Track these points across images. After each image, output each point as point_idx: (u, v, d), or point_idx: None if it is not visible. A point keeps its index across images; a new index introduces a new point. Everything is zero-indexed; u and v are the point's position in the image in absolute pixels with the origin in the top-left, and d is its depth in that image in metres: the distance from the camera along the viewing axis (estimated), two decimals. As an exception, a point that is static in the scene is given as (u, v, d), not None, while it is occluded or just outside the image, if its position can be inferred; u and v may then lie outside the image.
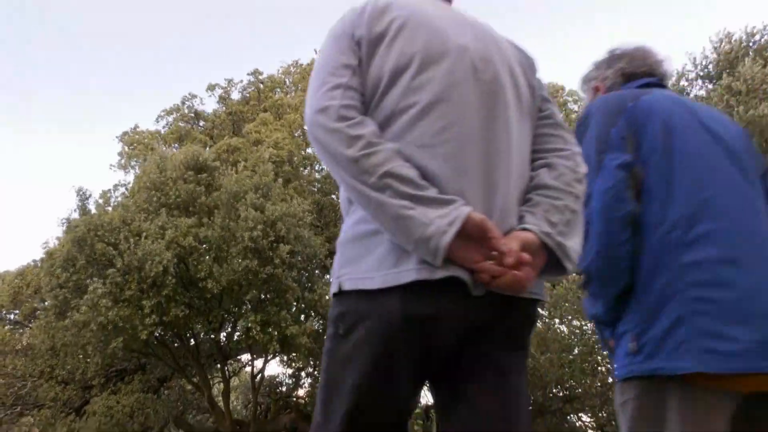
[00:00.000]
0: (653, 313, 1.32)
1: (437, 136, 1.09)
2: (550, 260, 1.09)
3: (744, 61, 8.74)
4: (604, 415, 12.16)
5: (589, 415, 15.07)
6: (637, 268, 1.37)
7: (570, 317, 11.35)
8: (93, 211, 12.09)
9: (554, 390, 12.81)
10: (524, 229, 1.09)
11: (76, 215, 12.05)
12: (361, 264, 1.10)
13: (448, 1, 1.38)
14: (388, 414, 1.10)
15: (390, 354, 1.05)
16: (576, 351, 11.19)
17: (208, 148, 13.53)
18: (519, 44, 1.35)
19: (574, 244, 1.12)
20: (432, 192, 1.04)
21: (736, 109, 8.14)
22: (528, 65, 1.30)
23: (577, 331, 11.39)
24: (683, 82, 9.90)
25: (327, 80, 1.14)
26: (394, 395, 1.09)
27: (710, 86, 9.75)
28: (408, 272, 1.03)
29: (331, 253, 14.10)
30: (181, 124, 17.57)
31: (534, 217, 1.11)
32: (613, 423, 12.00)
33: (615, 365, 1.44)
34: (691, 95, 9.93)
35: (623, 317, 1.41)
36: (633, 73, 1.66)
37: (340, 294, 1.14)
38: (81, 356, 12.59)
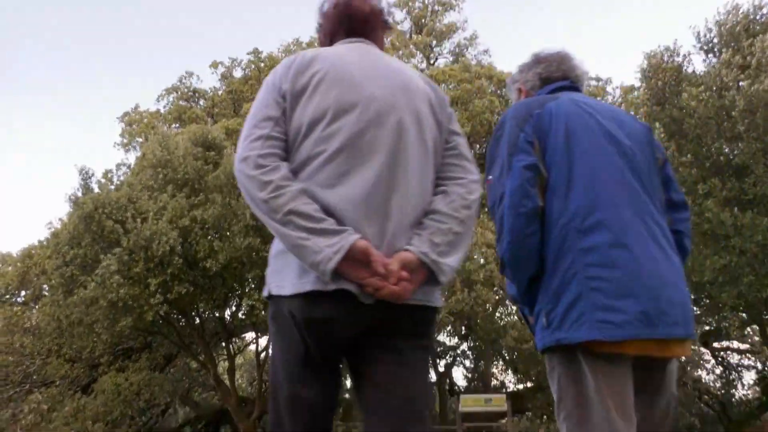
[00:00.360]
0: (559, 292, 1.52)
1: (340, 178, 1.33)
2: (431, 274, 1.33)
3: (745, 34, 8.63)
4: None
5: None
6: (545, 255, 1.57)
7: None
8: (96, 189, 12.15)
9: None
10: (407, 250, 1.32)
11: (80, 194, 12.11)
12: (281, 274, 1.36)
13: (379, 39, 1.63)
14: (319, 397, 1.35)
15: (306, 347, 1.33)
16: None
17: (215, 126, 13.50)
18: (432, 84, 1.57)
19: (451, 261, 1.36)
20: (327, 224, 1.27)
21: (741, 84, 8.05)
22: (438, 103, 1.52)
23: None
24: (677, 58, 9.77)
25: (251, 132, 1.38)
26: (320, 380, 1.35)
27: (714, 60, 9.65)
28: (308, 283, 1.29)
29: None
30: (181, 103, 17.56)
31: (419, 239, 1.34)
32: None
33: (535, 340, 1.63)
34: (690, 70, 9.82)
35: (538, 298, 1.60)
36: (548, 77, 1.87)
37: (270, 298, 1.40)
38: (88, 334, 12.72)
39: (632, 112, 12.07)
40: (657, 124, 9.39)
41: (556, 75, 1.88)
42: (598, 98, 17.40)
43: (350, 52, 1.51)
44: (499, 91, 16.18)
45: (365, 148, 1.35)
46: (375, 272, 1.25)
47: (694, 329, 1.56)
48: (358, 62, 1.47)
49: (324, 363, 1.36)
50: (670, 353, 1.53)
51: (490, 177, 1.68)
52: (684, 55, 9.79)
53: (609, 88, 17.44)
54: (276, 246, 1.42)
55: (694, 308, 10.99)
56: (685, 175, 9.02)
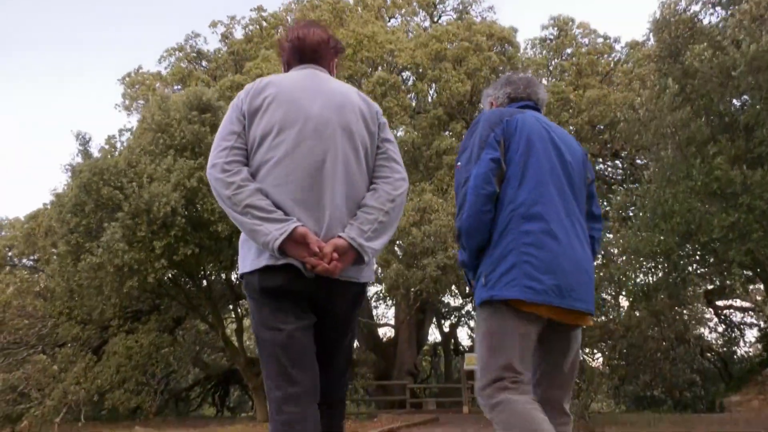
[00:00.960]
0: (499, 261, 1.95)
1: (284, 179, 1.71)
2: (358, 255, 1.72)
3: None
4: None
5: (588, 350, 15.39)
6: (493, 230, 1.99)
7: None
8: (96, 155, 12.07)
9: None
10: (340, 237, 1.70)
11: (79, 159, 12.05)
12: (245, 258, 1.77)
13: (328, 65, 2.02)
14: (295, 332, 1.70)
15: (266, 307, 1.73)
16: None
17: (211, 88, 13.27)
18: (367, 100, 1.96)
19: (376, 245, 1.76)
20: (277, 215, 1.66)
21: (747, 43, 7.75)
22: (370, 117, 1.91)
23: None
24: (695, 7, 9.41)
25: (219, 144, 1.77)
26: (281, 328, 1.70)
27: (723, 13, 9.35)
28: (263, 260, 1.68)
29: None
30: (183, 64, 17.30)
31: (350, 228, 1.73)
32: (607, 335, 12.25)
33: (474, 297, 2.06)
34: (705, 21, 9.51)
35: (481, 263, 2.02)
36: (515, 97, 2.32)
37: (241, 277, 1.81)
38: (97, 297, 12.88)
39: (640, 68, 11.81)
40: (670, 80, 9.20)
41: (522, 95, 2.32)
42: (605, 55, 17.04)
43: (299, 77, 1.92)
44: (499, 48, 15.85)
45: (302, 156, 1.74)
46: (312, 252, 1.64)
47: (594, 308, 2.05)
48: (303, 86, 1.87)
49: (290, 313, 1.72)
50: (573, 321, 2.01)
51: (459, 163, 2.09)
52: (703, 2, 9.43)
53: (617, 47, 17.07)
54: (241, 237, 1.81)
55: (699, 267, 10.99)
56: (695, 133, 8.89)
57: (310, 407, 1.68)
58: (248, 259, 1.75)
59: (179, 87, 16.46)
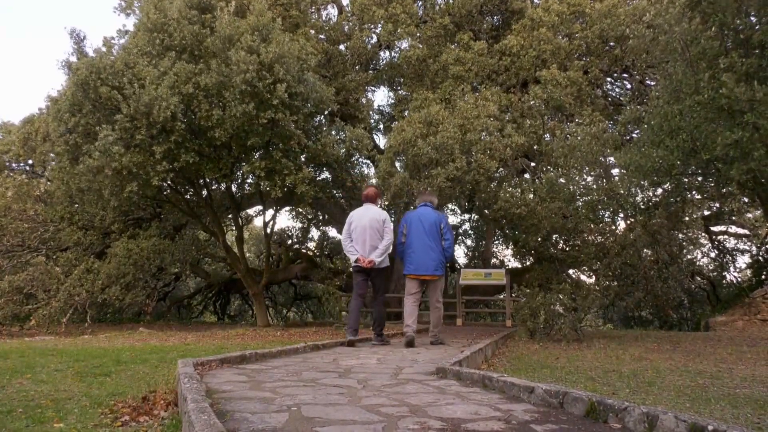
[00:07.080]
0: (405, 261, 7.76)
1: (357, 242, 7.61)
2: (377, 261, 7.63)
3: None
4: (600, 267, 12.55)
5: (585, 268, 15.66)
6: (405, 253, 7.73)
7: (577, 170, 11.32)
8: (91, 54, 11.65)
9: (554, 238, 13.19)
10: (370, 258, 7.57)
11: (74, 59, 11.64)
12: (352, 261, 7.80)
13: (374, 201, 7.94)
14: (363, 282, 7.74)
15: (355, 274, 7.79)
16: (580, 203, 11.35)
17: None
18: (381, 212, 7.74)
19: (378, 258, 7.53)
20: (355, 252, 7.60)
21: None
22: (381, 219, 7.62)
23: (583, 183, 11.42)
24: None
25: (344, 237, 7.81)
26: (360, 278, 7.73)
27: None
28: (355, 263, 7.66)
29: (340, 103, 13.80)
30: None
31: (372, 254, 7.54)
32: (609, 274, 12.47)
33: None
34: None
35: (405, 261, 7.83)
36: (421, 202, 8.00)
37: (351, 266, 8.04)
38: (98, 201, 12.88)
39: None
40: None
41: (419, 201, 8.00)
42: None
43: (362, 210, 7.74)
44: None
45: (360, 236, 7.55)
46: (363, 262, 7.45)
47: (433, 273, 7.55)
48: (362, 213, 7.66)
49: (363, 276, 7.66)
50: (426, 278, 7.61)
51: (400, 230, 7.81)
52: None
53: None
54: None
55: (700, 188, 10.94)
56: (705, 47, 8.58)
57: (357, 299, 7.65)
58: (354, 261, 7.54)
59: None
